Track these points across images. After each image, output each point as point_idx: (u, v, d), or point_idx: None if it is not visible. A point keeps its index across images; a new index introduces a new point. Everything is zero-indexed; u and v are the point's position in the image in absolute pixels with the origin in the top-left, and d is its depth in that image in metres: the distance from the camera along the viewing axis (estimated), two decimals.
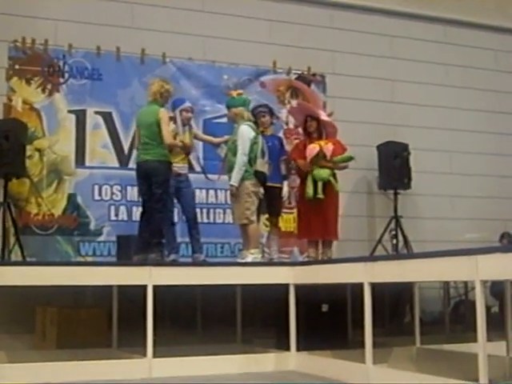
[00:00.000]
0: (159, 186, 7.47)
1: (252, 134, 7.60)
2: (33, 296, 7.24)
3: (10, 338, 7.28)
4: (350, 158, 8.14)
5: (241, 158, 7.46)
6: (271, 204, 8.05)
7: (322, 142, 7.97)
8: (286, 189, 8.21)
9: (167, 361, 6.46)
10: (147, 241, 7.41)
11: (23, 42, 8.85)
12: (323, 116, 8.31)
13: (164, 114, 7.55)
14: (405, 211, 10.12)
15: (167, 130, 7.49)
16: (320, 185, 7.81)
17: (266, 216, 8.38)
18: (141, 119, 7.73)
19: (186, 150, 8.16)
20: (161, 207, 7.51)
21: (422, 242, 9.73)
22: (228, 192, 7.92)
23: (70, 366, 6.24)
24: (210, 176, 8.60)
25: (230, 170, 7.59)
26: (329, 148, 7.90)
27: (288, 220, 9.39)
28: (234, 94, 7.89)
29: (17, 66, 8.84)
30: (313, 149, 7.91)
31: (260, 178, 7.64)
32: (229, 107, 7.82)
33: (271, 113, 8.32)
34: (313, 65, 10.17)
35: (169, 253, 7.75)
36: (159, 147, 7.49)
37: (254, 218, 7.56)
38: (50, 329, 7.50)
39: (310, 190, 7.81)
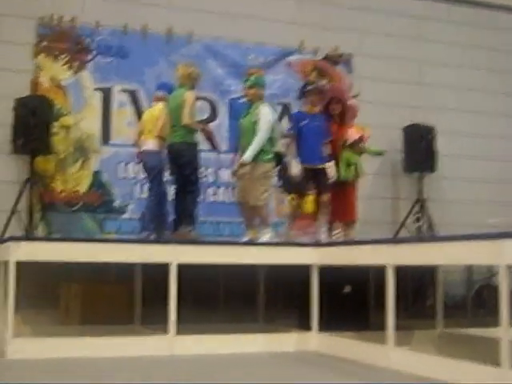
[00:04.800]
0: (186, 168, 7.58)
1: (273, 115, 7.65)
2: (57, 272, 7.29)
3: (34, 312, 7.33)
4: (381, 153, 8.32)
5: (261, 138, 7.42)
6: (319, 185, 7.87)
7: (363, 129, 8.08)
8: (331, 170, 7.90)
9: (189, 338, 6.50)
10: (177, 219, 7.62)
11: (51, 18, 8.88)
12: (350, 101, 8.30)
13: (189, 95, 7.58)
14: (429, 194, 10.08)
15: (187, 111, 7.49)
16: (352, 168, 7.93)
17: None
18: (170, 102, 7.76)
19: (206, 134, 8.17)
20: (191, 187, 7.62)
21: (446, 225, 9.67)
22: None
23: (93, 341, 6.29)
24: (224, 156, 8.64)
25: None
26: (367, 136, 8.03)
27: (311, 202, 9.36)
28: (261, 73, 7.86)
29: (44, 43, 8.88)
30: (355, 133, 7.99)
31: (279, 159, 7.69)
32: (257, 86, 7.63)
33: (318, 92, 8.09)
34: (340, 45, 10.11)
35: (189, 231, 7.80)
36: (184, 129, 7.52)
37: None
38: (73, 304, 7.57)
39: (344, 172, 7.90)
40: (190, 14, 9.40)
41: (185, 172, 7.59)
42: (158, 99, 7.87)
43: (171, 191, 7.91)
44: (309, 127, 7.82)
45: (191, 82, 7.73)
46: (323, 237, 7.95)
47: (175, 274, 6.47)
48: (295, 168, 7.78)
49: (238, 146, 7.79)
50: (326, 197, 7.89)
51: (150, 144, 7.57)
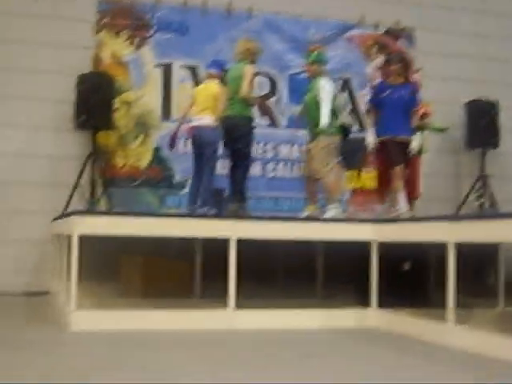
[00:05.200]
0: (239, 141, 7.62)
1: (333, 87, 7.58)
2: (119, 245, 7.40)
3: (96, 285, 7.46)
4: (444, 130, 8.29)
5: (327, 105, 7.35)
6: (395, 157, 7.61)
7: (426, 105, 8.03)
8: (415, 143, 7.68)
9: (248, 313, 6.53)
10: (232, 194, 7.61)
11: None
12: (411, 76, 8.17)
13: (248, 69, 7.59)
14: (492, 170, 9.91)
15: (246, 84, 7.51)
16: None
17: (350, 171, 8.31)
18: (228, 75, 7.76)
19: (264, 109, 8.16)
20: (243, 161, 7.67)
21: (509, 201, 9.51)
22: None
23: (153, 314, 6.37)
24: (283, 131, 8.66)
25: (315, 125, 7.49)
26: (429, 112, 8.03)
27: (370, 177, 9.31)
28: (323, 48, 7.83)
29: (105, 20, 8.98)
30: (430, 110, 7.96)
31: (345, 131, 7.61)
32: (318, 62, 7.63)
33: (402, 61, 7.90)
34: (402, 19, 9.96)
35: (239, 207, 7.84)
36: (240, 102, 7.55)
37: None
38: (134, 278, 7.67)
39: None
40: None
41: (238, 145, 7.63)
42: (211, 77, 7.83)
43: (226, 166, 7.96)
44: (391, 98, 7.64)
45: (251, 57, 7.73)
46: (404, 210, 7.76)
47: (235, 249, 6.51)
48: (371, 138, 7.70)
49: (305, 123, 7.80)
50: (400, 170, 7.65)
51: (207, 119, 7.55)
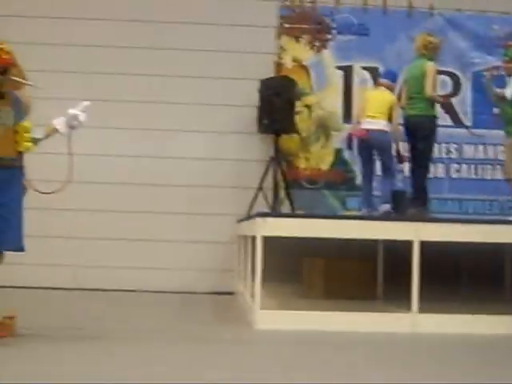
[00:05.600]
0: (422, 141, 7.50)
1: None
2: (301, 246, 7.50)
3: (279, 286, 7.62)
4: None
5: None
6: None
7: None
8: None
9: (431, 317, 6.41)
10: (413, 196, 7.53)
11: (293, 0, 9.09)
12: None
13: (430, 67, 7.50)
14: None
15: (430, 82, 7.43)
16: None
17: None
18: (407, 74, 7.74)
19: (446, 108, 8.04)
20: (424, 162, 7.57)
21: None
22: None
23: (335, 315, 6.41)
24: (477, 131, 8.39)
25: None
26: None
27: None
28: None
29: (286, 25, 9.14)
30: None
31: None
32: None
33: None
34: None
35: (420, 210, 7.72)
36: (424, 101, 7.46)
37: None
38: (316, 279, 7.77)
39: None
40: None
41: (420, 146, 7.52)
42: (383, 85, 7.86)
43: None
44: None
45: (430, 52, 7.63)
46: None
47: (418, 252, 6.41)
48: None
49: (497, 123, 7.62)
50: None
51: (380, 124, 7.54)
